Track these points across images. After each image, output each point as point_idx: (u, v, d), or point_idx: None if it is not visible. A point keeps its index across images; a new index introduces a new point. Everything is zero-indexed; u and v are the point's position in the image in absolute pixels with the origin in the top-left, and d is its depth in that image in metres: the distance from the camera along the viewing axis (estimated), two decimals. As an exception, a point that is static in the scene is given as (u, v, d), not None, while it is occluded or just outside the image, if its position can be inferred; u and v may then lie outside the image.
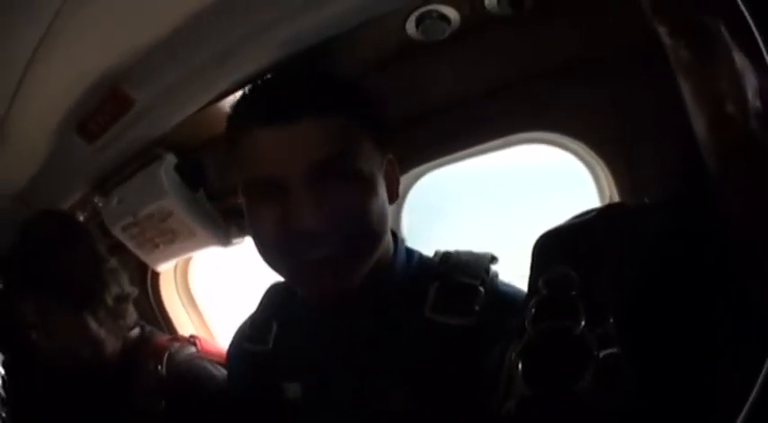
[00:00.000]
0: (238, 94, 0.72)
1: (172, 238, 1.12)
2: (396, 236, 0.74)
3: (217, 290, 1.40)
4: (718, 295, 0.40)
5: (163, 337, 1.06)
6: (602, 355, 0.41)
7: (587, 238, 0.50)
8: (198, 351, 1.01)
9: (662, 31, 0.40)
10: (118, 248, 1.17)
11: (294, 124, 0.63)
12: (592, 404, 0.40)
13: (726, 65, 0.37)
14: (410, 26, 0.72)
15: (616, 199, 0.74)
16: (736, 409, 0.33)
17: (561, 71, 0.72)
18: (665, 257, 0.44)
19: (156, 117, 0.88)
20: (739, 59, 0.36)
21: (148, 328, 1.07)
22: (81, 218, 1.21)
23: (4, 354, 0.99)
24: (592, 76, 0.70)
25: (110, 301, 0.97)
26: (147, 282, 1.33)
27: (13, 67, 0.74)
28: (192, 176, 1.06)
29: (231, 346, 0.88)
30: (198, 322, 1.37)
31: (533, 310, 0.46)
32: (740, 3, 0.35)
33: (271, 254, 0.69)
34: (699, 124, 0.40)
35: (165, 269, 1.29)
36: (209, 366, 0.98)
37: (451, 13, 0.71)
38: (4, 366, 0.99)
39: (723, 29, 0.37)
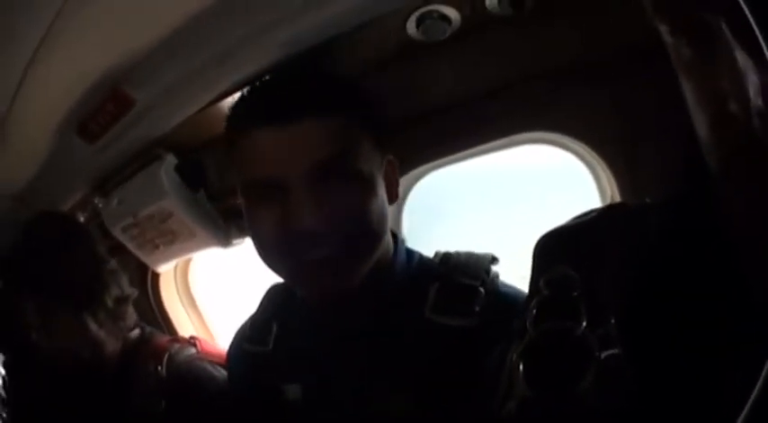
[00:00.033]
0: (238, 94, 0.72)
1: (172, 239, 1.12)
2: (396, 236, 0.74)
3: (217, 291, 1.40)
4: (719, 295, 0.40)
5: (163, 338, 1.05)
6: (603, 355, 0.41)
7: (588, 239, 0.50)
8: (198, 352, 1.01)
9: (663, 29, 0.40)
10: (118, 249, 1.17)
11: (295, 124, 0.63)
12: (593, 405, 0.40)
13: (727, 63, 0.37)
14: (411, 26, 0.72)
15: (617, 199, 0.74)
16: (738, 409, 0.33)
17: (562, 71, 0.72)
18: (667, 257, 0.44)
19: (156, 117, 0.88)
20: (741, 57, 0.36)
21: (148, 329, 1.07)
22: (81, 219, 1.21)
23: (4, 354, 0.99)
24: (592, 76, 0.70)
25: (110, 303, 0.97)
26: (148, 283, 1.33)
27: (14, 68, 0.74)
28: (192, 177, 1.06)
29: (231, 347, 0.87)
30: (198, 323, 1.37)
31: (534, 310, 0.46)
32: (741, 1, 0.34)
33: (270, 255, 0.69)
34: (700, 123, 0.40)
35: (166, 270, 1.29)
36: (210, 367, 0.98)
37: (452, 13, 0.71)
38: (4, 366, 0.99)
39: (724, 26, 0.37)
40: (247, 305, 0.86)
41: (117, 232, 1.16)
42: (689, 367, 0.40)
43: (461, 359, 0.61)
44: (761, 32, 0.34)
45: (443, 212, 1.13)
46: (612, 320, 0.42)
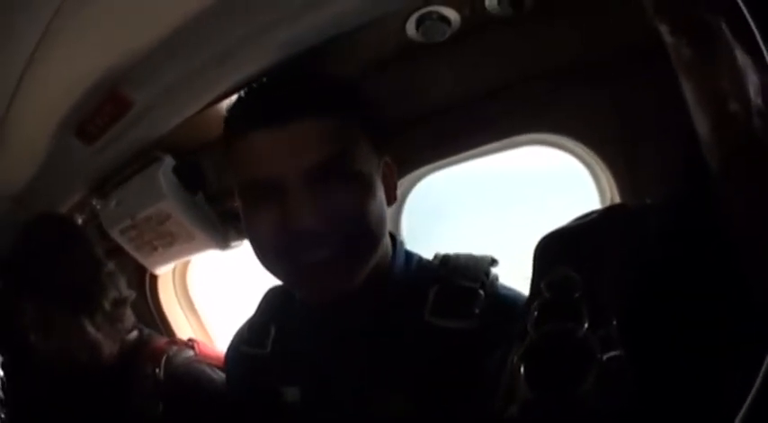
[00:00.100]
0: (236, 96, 0.72)
1: (170, 241, 1.12)
2: (395, 239, 0.74)
3: (215, 293, 1.39)
4: (719, 295, 0.40)
5: (161, 341, 1.05)
6: (605, 357, 0.41)
7: (589, 240, 0.50)
8: (196, 354, 1.01)
9: (663, 29, 0.40)
10: (116, 251, 1.17)
11: (293, 124, 0.63)
12: (595, 407, 0.40)
13: (727, 63, 0.37)
14: (410, 27, 0.72)
15: (617, 200, 0.74)
16: (738, 409, 0.32)
17: (562, 72, 0.72)
18: (667, 258, 0.44)
19: (154, 119, 0.88)
20: (741, 57, 0.36)
21: (146, 331, 1.07)
22: (79, 220, 1.20)
23: (2, 355, 0.99)
24: (592, 76, 0.70)
25: (107, 305, 0.97)
26: (146, 285, 1.32)
27: (13, 67, 0.73)
28: (190, 179, 1.05)
29: (229, 349, 0.87)
30: (196, 325, 1.37)
31: (536, 312, 0.46)
32: (740, 2, 0.34)
33: (269, 257, 0.68)
34: (701, 123, 0.39)
35: (164, 272, 1.29)
36: (208, 370, 0.97)
37: (452, 14, 0.71)
38: (2, 368, 0.98)
39: (724, 26, 0.36)
40: (245, 308, 0.86)
41: (115, 234, 1.16)
42: (689, 367, 0.39)
43: (461, 361, 0.61)
44: (760, 35, 0.34)
45: (442, 214, 1.13)
46: (614, 322, 0.42)
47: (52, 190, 1.10)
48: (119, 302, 0.99)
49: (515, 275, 0.68)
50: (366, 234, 0.65)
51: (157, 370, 0.95)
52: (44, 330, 0.94)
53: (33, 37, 0.67)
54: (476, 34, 0.74)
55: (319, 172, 0.63)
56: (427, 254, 0.75)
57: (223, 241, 1.10)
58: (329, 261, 0.63)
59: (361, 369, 0.68)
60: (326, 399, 0.69)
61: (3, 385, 0.97)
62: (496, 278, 0.69)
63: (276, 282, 0.76)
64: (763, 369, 0.32)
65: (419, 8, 0.70)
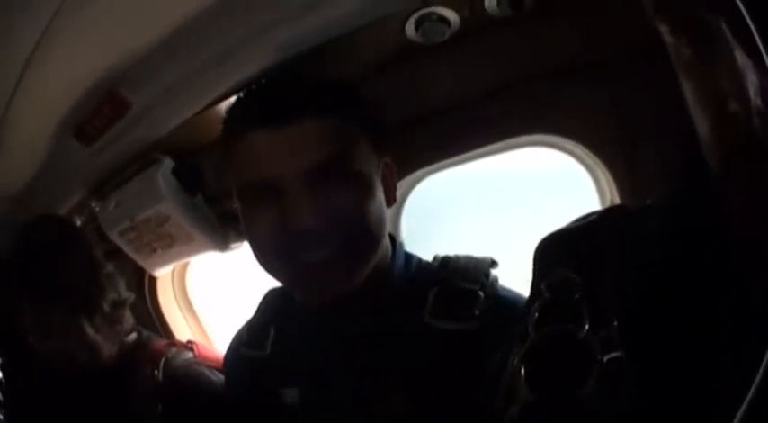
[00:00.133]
0: (235, 97, 0.72)
1: (169, 243, 1.11)
2: (394, 240, 0.74)
3: (214, 295, 1.39)
4: (719, 295, 0.39)
5: (160, 342, 1.05)
6: (605, 358, 0.41)
7: (589, 241, 0.49)
8: (195, 356, 1.01)
9: (663, 29, 0.40)
10: (115, 253, 1.17)
11: (293, 125, 0.63)
12: (595, 409, 0.39)
13: (727, 63, 0.37)
14: (410, 28, 0.72)
15: (617, 201, 0.74)
16: (738, 409, 0.32)
17: (562, 72, 0.72)
18: (667, 259, 0.44)
19: (153, 120, 0.88)
20: (740, 57, 0.36)
21: (145, 332, 1.06)
22: (78, 222, 1.20)
23: (1, 356, 0.99)
24: (592, 76, 0.70)
25: (106, 307, 0.97)
26: (145, 286, 1.32)
27: (12, 67, 0.73)
28: (189, 180, 1.05)
29: (228, 351, 0.87)
30: (195, 327, 1.36)
31: (536, 313, 0.45)
32: (739, 3, 0.34)
33: (269, 257, 0.68)
34: (701, 123, 0.39)
35: (163, 274, 1.28)
36: (207, 371, 0.97)
37: (451, 15, 0.71)
38: (1, 369, 0.98)
39: (724, 26, 0.36)
40: (245, 309, 0.86)
41: (114, 236, 1.16)
42: (689, 368, 0.39)
43: (461, 362, 0.61)
44: (760, 37, 0.34)
45: (442, 216, 1.13)
46: (614, 323, 0.42)
47: (51, 191, 1.10)
48: (118, 304, 0.99)
49: (515, 277, 0.68)
50: (366, 234, 0.65)
51: (156, 372, 0.95)
52: (43, 331, 0.94)
53: (33, 37, 0.67)
54: (475, 35, 0.74)
55: (319, 172, 0.63)
56: (427, 255, 0.75)
57: (222, 243, 1.09)
58: (329, 261, 0.63)
59: (360, 370, 0.68)
60: (326, 399, 0.69)
61: (1, 386, 0.97)
62: (496, 280, 0.69)
63: (276, 283, 0.76)
64: (762, 369, 0.32)
65: (418, 9, 0.70)
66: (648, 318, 0.42)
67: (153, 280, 1.32)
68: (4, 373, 0.98)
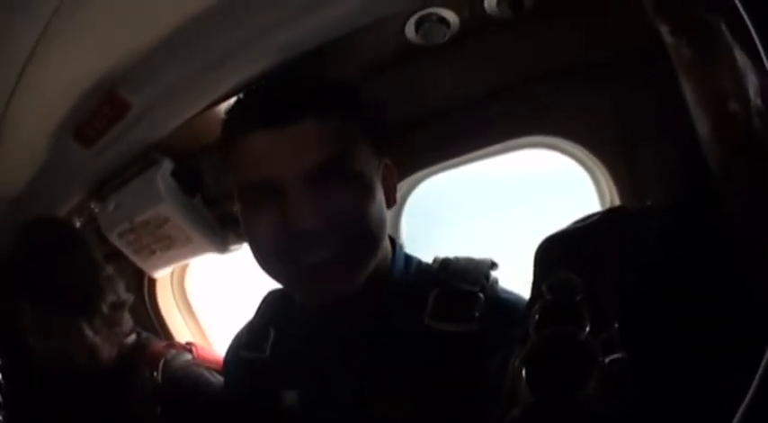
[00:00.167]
0: (234, 98, 0.72)
1: (168, 245, 1.11)
2: (394, 242, 0.74)
3: (214, 297, 1.39)
4: (720, 296, 0.39)
5: (159, 344, 1.05)
6: (606, 360, 0.40)
7: (590, 243, 0.49)
8: (194, 358, 1.01)
9: (663, 29, 0.40)
10: (114, 255, 1.16)
11: (294, 125, 0.63)
12: (596, 410, 0.39)
13: (727, 63, 0.37)
14: (409, 29, 0.72)
15: (617, 202, 0.74)
16: (737, 409, 0.32)
17: (562, 73, 0.72)
18: (667, 259, 0.43)
19: (153, 121, 0.88)
20: (740, 57, 0.36)
21: (144, 334, 1.06)
22: (77, 224, 1.20)
23: (1, 358, 0.99)
24: (592, 77, 0.70)
25: (105, 309, 0.97)
26: (144, 288, 1.32)
27: (11, 68, 0.73)
28: (188, 182, 1.05)
29: (228, 353, 0.87)
30: (194, 329, 1.36)
31: (537, 315, 0.45)
32: (739, 4, 0.34)
33: (269, 259, 0.68)
34: (702, 123, 0.39)
35: (162, 276, 1.28)
36: (206, 373, 0.97)
37: (451, 16, 0.71)
38: (1, 370, 0.98)
39: (724, 26, 0.36)
40: (244, 311, 0.86)
41: (113, 238, 1.16)
42: (690, 368, 0.39)
43: (461, 364, 0.61)
44: (759, 37, 0.34)
45: (442, 218, 1.13)
46: (615, 324, 0.42)
47: (50, 193, 1.10)
48: (117, 306, 0.99)
49: (515, 279, 0.68)
50: (366, 235, 0.65)
51: (155, 373, 0.95)
52: (42, 333, 0.94)
53: (32, 37, 0.67)
54: (475, 36, 0.74)
55: (320, 172, 0.63)
56: (427, 257, 0.75)
57: (222, 245, 1.09)
58: (329, 261, 0.63)
59: (360, 371, 0.68)
60: (326, 401, 0.69)
61: (1, 388, 0.97)
62: (496, 281, 0.69)
63: (275, 285, 0.76)
64: (762, 369, 0.31)
65: (418, 10, 0.70)
66: (649, 319, 0.42)
67: (152, 282, 1.32)
68: (3, 375, 0.98)
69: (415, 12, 0.70)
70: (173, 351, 1.00)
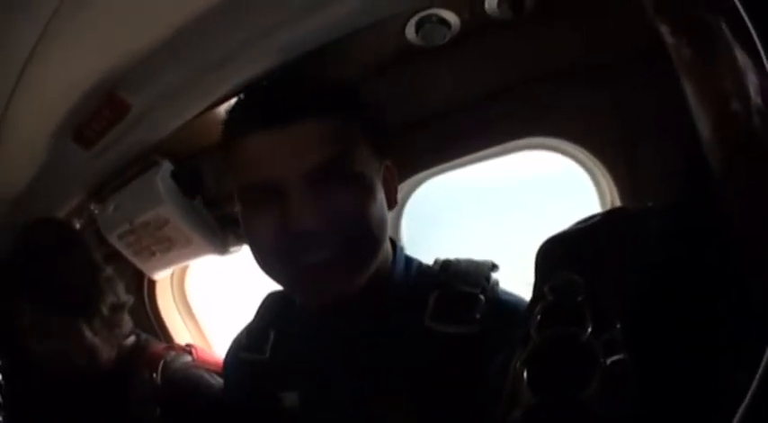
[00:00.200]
0: (234, 99, 0.72)
1: (168, 246, 1.11)
2: (395, 244, 0.74)
3: (214, 298, 1.39)
4: (720, 296, 0.39)
5: (158, 346, 1.05)
6: (608, 361, 0.40)
7: (591, 244, 0.49)
8: (194, 360, 1.01)
9: (663, 29, 0.40)
10: (114, 256, 1.16)
11: (294, 126, 0.63)
12: (598, 412, 0.39)
13: (728, 62, 0.37)
14: (410, 31, 0.72)
15: (617, 203, 0.74)
16: (737, 409, 0.32)
17: (562, 74, 0.72)
18: (668, 260, 0.43)
19: (153, 123, 0.88)
20: (741, 57, 0.36)
21: (144, 336, 1.06)
22: (77, 225, 1.20)
23: (1, 359, 0.98)
24: (593, 78, 0.70)
25: (105, 311, 0.97)
26: (144, 290, 1.32)
27: (11, 68, 0.73)
28: (188, 183, 1.05)
29: (228, 355, 0.86)
30: (194, 331, 1.36)
31: (539, 316, 0.45)
32: (739, 4, 0.34)
33: (269, 260, 0.68)
34: (702, 123, 0.39)
35: (162, 277, 1.28)
36: (206, 375, 0.97)
37: (451, 17, 0.71)
38: (1, 371, 0.98)
39: (724, 26, 0.36)
40: (244, 313, 0.86)
41: (113, 239, 1.15)
42: (691, 369, 0.39)
43: (461, 365, 0.61)
44: (759, 37, 0.34)
45: (442, 219, 1.13)
46: (617, 325, 0.42)
47: (50, 194, 1.10)
48: (117, 307, 0.99)
49: (516, 280, 0.68)
50: (367, 236, 0.65)
51: (155, 375, 0.95)
52: (42, 333, 0.94)
53: (32, 37, 0.67)
54: (476, 37, 0.74)
55: (320, 173, 0.62)
56: (427, 259, 0.75)
57: (222, 246, 1.09)
58: (330, 262, 0.63)
59: (361, 373, 0.68)
60: (326, 402, 0.69)
61: (1, 389, 0.97)
62: (497, 283, 0.69)
63: (275, 287, 0.76)
64: (762, 369, 0.31)
65: (419, 11, 0.70)
66: (650, 319, 0.42)
67: (152, 283, 1.32)
68: (3, 375, 0.98)
69: (415, 13, 0.70)
70: (172, 353, 1.00)
